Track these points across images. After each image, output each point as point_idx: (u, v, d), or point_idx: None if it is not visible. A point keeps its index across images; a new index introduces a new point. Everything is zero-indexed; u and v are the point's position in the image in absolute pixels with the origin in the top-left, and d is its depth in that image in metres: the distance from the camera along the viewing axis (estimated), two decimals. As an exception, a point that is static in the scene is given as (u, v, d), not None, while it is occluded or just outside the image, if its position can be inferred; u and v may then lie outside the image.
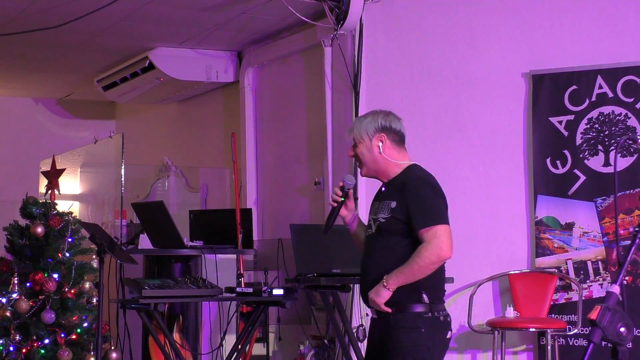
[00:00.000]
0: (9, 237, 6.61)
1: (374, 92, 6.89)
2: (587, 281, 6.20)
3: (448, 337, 3.79)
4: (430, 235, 3.67)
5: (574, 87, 6.33)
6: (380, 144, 3.87)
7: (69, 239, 6.60)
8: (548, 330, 5.98)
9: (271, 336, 7.23)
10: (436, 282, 3.76)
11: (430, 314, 3.72)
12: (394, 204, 3.76)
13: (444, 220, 3.74)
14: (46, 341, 6.36)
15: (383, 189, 3.93)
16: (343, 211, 4.02)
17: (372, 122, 3.90)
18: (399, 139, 3.92)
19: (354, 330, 6.34)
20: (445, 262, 3.78)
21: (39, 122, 10.78)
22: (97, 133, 8.66)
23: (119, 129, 10.73)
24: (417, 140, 6.77)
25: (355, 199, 6.76)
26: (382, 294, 3.71)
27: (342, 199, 3.99)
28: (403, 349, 3.69)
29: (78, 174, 9.11)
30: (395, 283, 3.69)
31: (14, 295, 6.39)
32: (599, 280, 6.17)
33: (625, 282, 5.10)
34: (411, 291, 3.71)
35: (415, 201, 3.73)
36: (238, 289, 5.77)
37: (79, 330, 6.45)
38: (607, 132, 6.23)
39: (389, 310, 3.72)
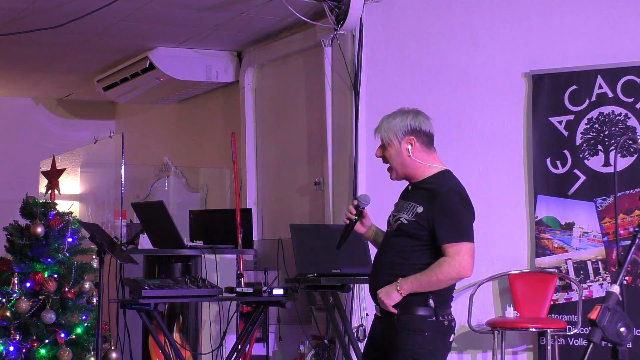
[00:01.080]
0: (9, 237, 6.61)
1: (374, 92, 6.89)
2: (587, 281, 6.20)
3: (451, 340, 3.78)
4: (454, 251, 3.63)
5: (574, 87, 6.33)
6: (410, 147, 3.79)
7: (69, 239, 6.61)
8: (548, 330, 5.98)
9: (271, 336, 7.23)
10: (445, 288, 3.74)
11: (434, 318, 3.70)
12: (420, 209, 3.70)
13: (470, 237, 3.69)
14: (46, 341, 6.37)
15: (410, 187, 3.86)
16: (360, 228, 3.97)
17: (401, 124, 3.81)
18: (428, 140, 3.84)
19: (354, 330, 6.34)
20: None
21: (39, 122, 10.78)
22: (97, 133, 8.67)
23: (119, 129, 10.73)
24: (417, 140, 6.78)
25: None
26: (393, 297, 3.69)
27: (356, 217, 3.93)
28: (406, 351, 3.68)
29: (78, 174, 9.11)
30: (408, 289, 3.67)
31: (14, 295, 6.39)
32: (599, 280, 6.17)
33: (625, 282, 5.10)
34: (418, 295, 3.69)
35: (444, 213, 3.67)
36: (238, 289, 5.77)
37: (79, 330, 6.45)
38: (607, 132, 6.23)
39: (395, 311, 3.71)
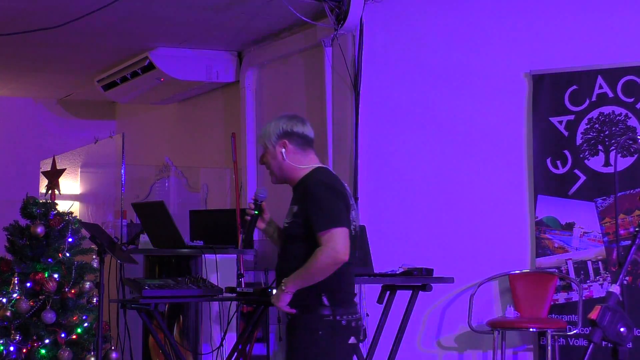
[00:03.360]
0: (9, 237, 6.60)
1: (374, 92, 6.89)
2: (588, 281, 6.20)
3: (351, 342, 3.71)
4: (326, 239, 3.62)
5: (574, 87, 6.33)
6: (283, 150, 3.83)
7: (69, 239, 6.60)
8: (548, 330, 5.99)
9: (271, 336, 7.23)
10: (338, 284, 3.70)
11: (331, 317, 3.66)
12: (296, 208, 3.76)
13: (342, 223, 3.66)
14: (46, 341, 6.36)
15: (292, 194, 3.91)
16: (260, 224, 4.00)
17: (274, 129, 3.87)
18: (303, 142, 3.86)
19: (354, 330, 6.32)
20: (350, 266, 3.73)
21: (39, 122, 10.78)
22: (97, 133, 8.66)
23: (119, 129, 10.74)
24: (417, 140, 6.78)
25: (356, 198, 6.77)
26: (282, 298, 3.69)
27: (257, 212, 3.96)
28: (297, 349, 3.68)
29: (78, 174, 9.11)
30: (293, 286, 3.67)
31: (14, 295, 6.39)
32: (599, 280, 6.17)
33: (625, 282, 5.10)
34: (312, 294, 3.67)
35: (314, 204, 3.69)
36: (238, 289, 5.76)
37: (79, 330, 6.45)
38: (607, 132, 6.23)
39: (294, 311, 3.70)
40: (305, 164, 3.85)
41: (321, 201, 3.69)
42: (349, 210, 3.75)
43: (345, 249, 3.63)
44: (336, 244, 3.61)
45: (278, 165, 3.87)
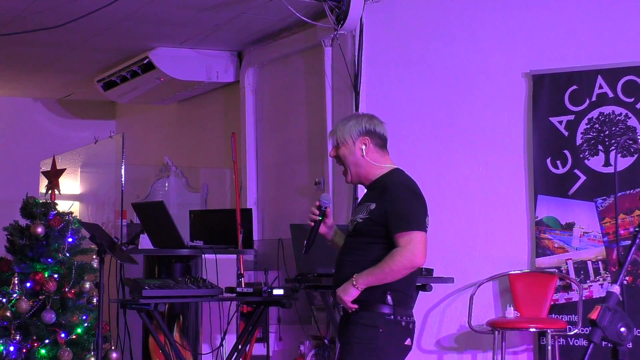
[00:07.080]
0: (9, 237, 6.61)
1: (374, 92, 6.89)
2: (587, 281, 6.20)
3: (407, 343, 3.77)
4: (405, 241, 3.68)
5: (574, 87, 6.33)
6: (364, 147, 3.87)
7: (69, 239, 6.61)
8: (548, 331, 5.99)
9: (271, 336, 7.23)
10: (403, 286, 3.76)
11: (392, 317, 3.72)
12: (373, 206, 3.77)
13: (421, 227, 3.74)
14: (46, 341, 6.37)
15: (365, 191, 3.96)
16: (323, 229, 4.03)
17: (356, 125, 3.90)
18: (382, 142, 3.93)
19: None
20: (417, 269, 3.79)
21: (39, 122, 10.78)
22: (97, 133, 8.66)
23: (119, 129, 10.74)
24: (417, 140, 6.78)
25: (355, 198, 6.77)
26: (350, 292, 3.73)
27: (320, 218, 3.99)
28: (355, 343, 3.71)
29: (78, 174, 9.11)
30: (364, 283, 3.71)
31: (14, 295, 6.39)
32: (599, 280, 6.17)
33: (625, 282, 5.10)
34: (376, 291, 3.72)
35: (394, 205, 3.73)
36: (238, 289, 5.76)
37: (79, 330, 6.45)
38: (607, 132, 6.23)
39: (355, 307, 3.74)
40: (382, 163, 3.90)
41: (402, 203, 3.74)
42: (427, 216, 3.81)
43: (423, 254, 3.70)
44: (415, 248, 3.68)
45: (355, 161, 3.90)
